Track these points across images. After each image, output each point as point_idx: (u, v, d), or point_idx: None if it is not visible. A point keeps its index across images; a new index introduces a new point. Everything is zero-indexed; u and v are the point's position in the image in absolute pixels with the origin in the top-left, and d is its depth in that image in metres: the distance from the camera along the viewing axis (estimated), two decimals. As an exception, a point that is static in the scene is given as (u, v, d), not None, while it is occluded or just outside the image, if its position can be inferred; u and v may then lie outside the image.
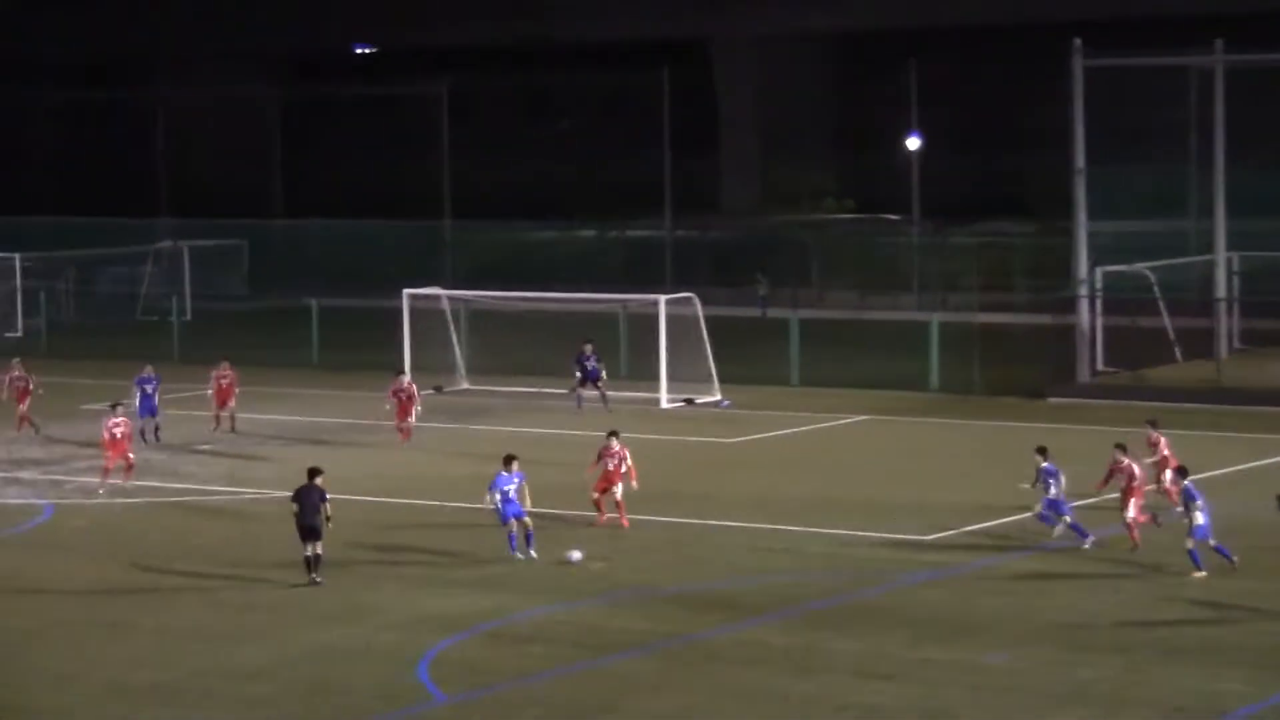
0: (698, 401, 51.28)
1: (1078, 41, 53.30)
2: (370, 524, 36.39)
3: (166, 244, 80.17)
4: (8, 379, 48.14)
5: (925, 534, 35.03)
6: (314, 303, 62.37)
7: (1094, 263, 54.02)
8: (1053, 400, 51.48)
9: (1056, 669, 26.97)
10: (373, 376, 53.36)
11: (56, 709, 25.96)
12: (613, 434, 35.94)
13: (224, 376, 47.68)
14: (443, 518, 37.07)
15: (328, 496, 31.88)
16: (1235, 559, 31.67)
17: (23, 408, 47.71)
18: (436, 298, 56.68)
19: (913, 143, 79.75)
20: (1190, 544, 31.59)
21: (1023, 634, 28.67)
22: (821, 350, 56.79)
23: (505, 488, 32.99)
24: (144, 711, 25.76)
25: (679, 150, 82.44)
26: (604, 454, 35.58)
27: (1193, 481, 32.16)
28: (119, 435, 40.00)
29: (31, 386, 47.94)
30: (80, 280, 77.26)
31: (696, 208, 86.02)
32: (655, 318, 51.92)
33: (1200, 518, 31.61)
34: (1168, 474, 35.57)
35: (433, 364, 54.37)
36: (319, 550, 31.76)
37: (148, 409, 45.62)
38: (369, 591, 31.67)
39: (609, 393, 49.64)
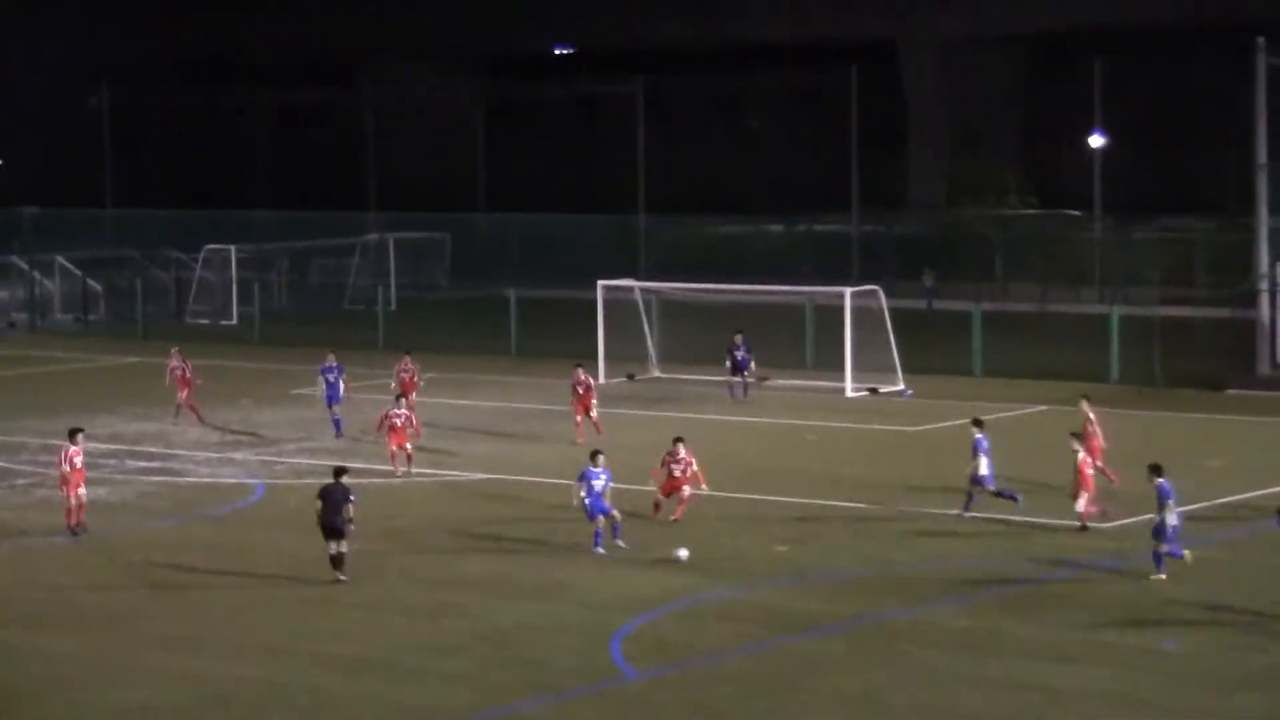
0: (881, 391, 50.93)
1: (1261, 40, 52.29)
2: (564, 506, 36.47)
3: (373, 237, 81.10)
4: (169, 368, 47.81)
5: (1103, 522, 34.47)
6: (512, 293, 62.73)
7: (1275, 257, 52.94)
8: (1232, 392, 50.54)
9: (1235, 654, 26.44)
10: (569, 365, 53.53)
11: (262, 680, 26.29)
12: (679, 440, 34.90)
13: (406, 370, 46.91)
14: (633, 501, 37.09)
15: (351, 497, 31.13)
16: (1185, 554, 30.35)
17: (183, 396, 47.05)
18: (629, 289, 56.80)
19: (1096, 140, 78.61)
20: (1163, 547, 30.27)
21: (1202, 620, 28.14)
22: (1004, 342, 56.16)
23: (592, 482, 32.56)
24: (348, 684, 26.00)
25: (866, 147, 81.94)
26: (667, 460, 34.67)
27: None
28: (398, 424, 39.91)
29: (190, 375, 47.23)
30: (292, 271, 78.41)
31: (883, 203, 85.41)
32: (841, 310, 51.62)
33: (1172, 519, 30.16)
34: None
35: (625, 353, 54.52)
36: (343, 549, 31.01)
37: (332, 396, 45.38)
38: (564, 570, 31.78)
39: (750, 382, 49.58)
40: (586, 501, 32.53)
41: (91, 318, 72.92)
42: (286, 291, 77.24)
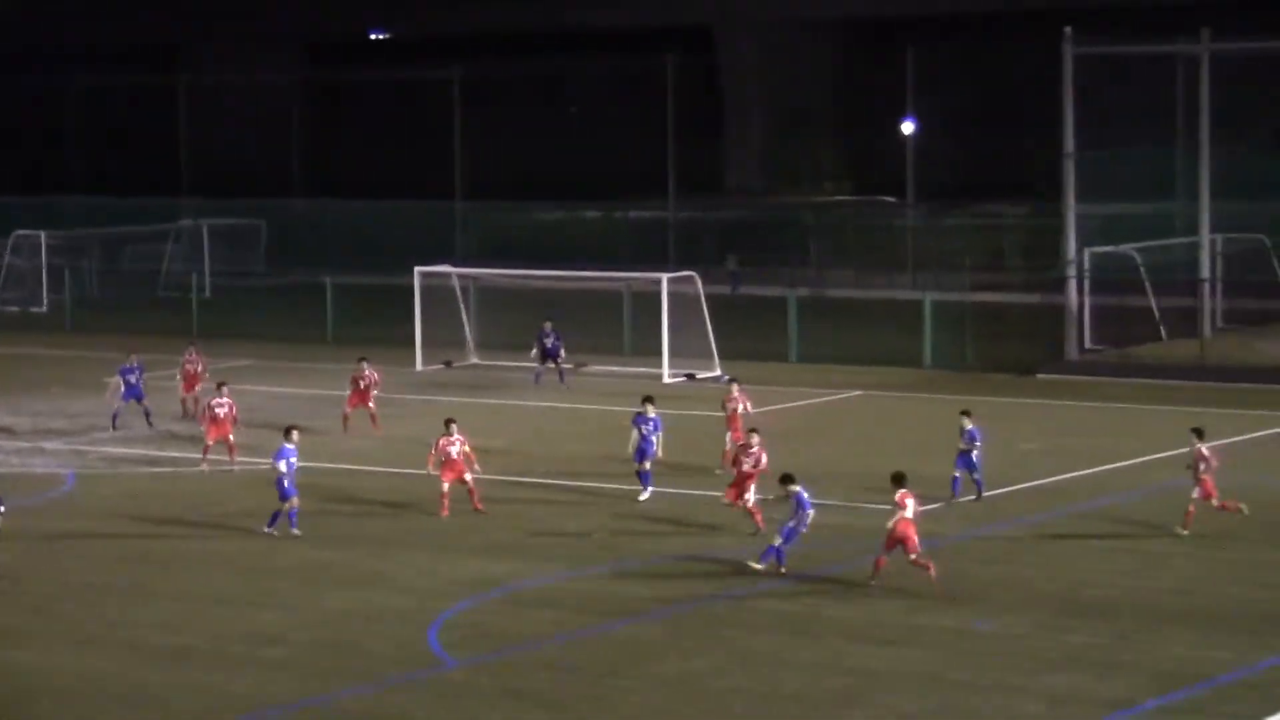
0: (699, 377, 51.21)
1: (1068, 30, 53.20)
2: (381, 493, 36.35)
3: (188, 223, 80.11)
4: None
5: (917, 505, 34.86)
6: (329, 280, 62.29)
7: (1083, 244, 53.95)
8: (1042, 376, 51.43)
9: (1045, 634, 26.92)
10: (385, 351, 53.35)
11: (80, 671, 25.94)
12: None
13: (191, 362, 46.29)
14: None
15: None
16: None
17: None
18: (447, 275, 56.65)
19: (908, 127, 79.60)
20: (777, 540, 30.00)
21: (1013, 602, 28.62)
22: (819, 328, 56.72)
23: (278, 464, 32.63)
24: (168, 675, 25.73)
25: (685, 134, 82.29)
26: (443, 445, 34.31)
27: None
28: (220, 415, 39.13)
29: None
30: (104, 257, 77.24)
31: (701, 189, 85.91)
32: (658, 295, 51.84)
33: (792, 523, 29.85)
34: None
35: (443, 339, 54.37)
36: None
37: (133, 394, 44.16)
38: (381, 559, 31.65)
39: (566, 369, 49.60)
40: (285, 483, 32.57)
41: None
42: (99, 278, 76.08)
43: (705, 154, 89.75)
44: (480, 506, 34.41)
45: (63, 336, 62.81)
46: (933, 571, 28.83)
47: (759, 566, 30.14)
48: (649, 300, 53.44)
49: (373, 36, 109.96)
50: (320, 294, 62.08)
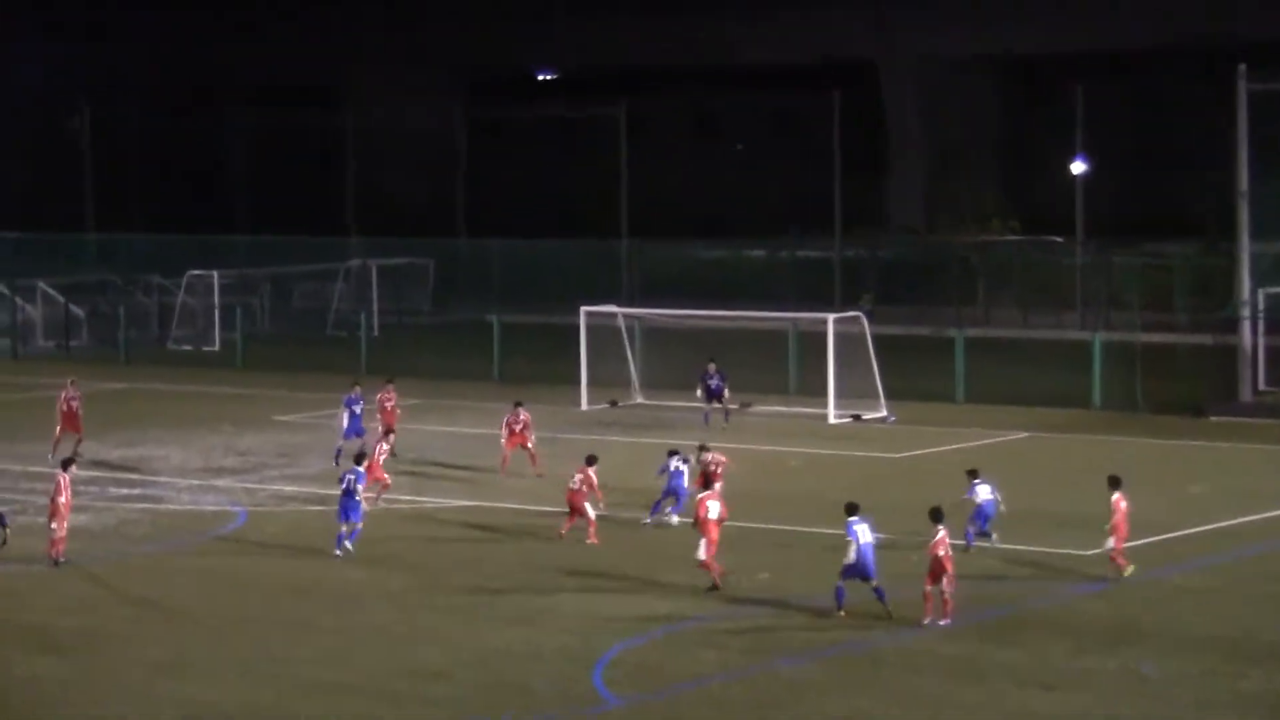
0: (864, 417, 51.14)
1: (1242, 66, 52.64)
2: (546, 530, 36.66)
3: (356, 262, 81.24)
4: (61, 396, 46.16)
5: (1086, 548, 34.69)
6: (495, 318, 62.94)
7: (1257, 283, 53.28)
8: (1214, 418, 50.81)
9: (1213, 679, 26.64)
10: (551, 390, 53.86)
11: (244, 703, 26.42)
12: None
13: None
14: (615, 526, 37.23)
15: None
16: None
17: (59, 431, 45.41)
18: (613, 314, 57.01)
19: (1078, 166, 78.98)
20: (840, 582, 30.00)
21: (1182, 645, 28.35)
22: (986, 368, 56.40)
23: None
24: (329, 708, 26.12)
25: (848, 171, 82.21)
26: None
27: None
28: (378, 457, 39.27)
29: (78, 407, 45.79)
30: (274, 296, 78.53)
31: (865, 227, 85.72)
32: (824, 335, 51.86)
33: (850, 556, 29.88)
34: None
35: (608, 378, 54.70)
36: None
37: (354, 430, 44.37)
38: (545, 596, 31.92)
39: (731, 409, 49.64)
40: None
41: (73, 344, 72.98)
42: (269, 317, 77.39)
43: (869, 191, 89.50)
44: (595, 540, 35.12)
45: (234, 374, 63.92)
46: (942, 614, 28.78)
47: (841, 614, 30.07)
48: (815, 339, 53.44)
49: (539, 77, 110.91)
50: (487, 332, 62.72)
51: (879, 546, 30.42)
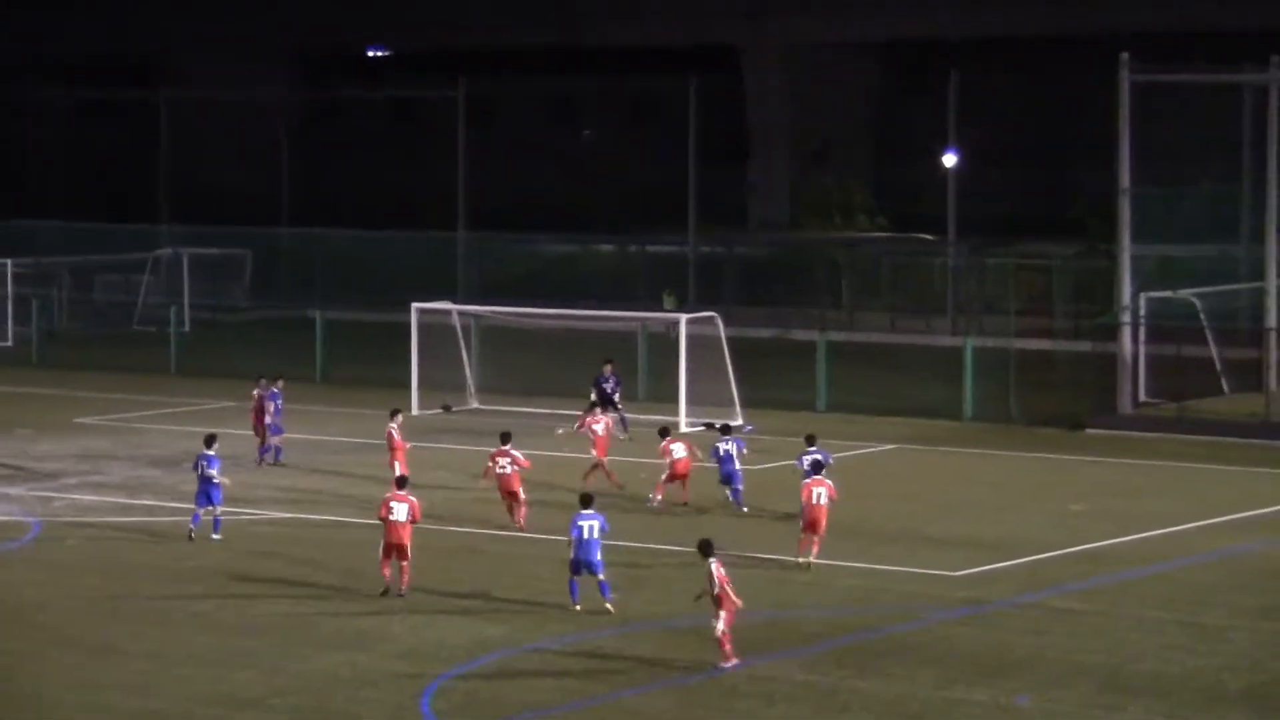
0: (718, 426, 51.19)
1: (1125, 55, 53.20)
2: (371, 547, 36.33)
3: (166, 252, 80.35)
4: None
5: (956, 569, 34.97)
6: (318, 315, 62.48)
7: (1139, 288, 53.93)
8: (1092, 431, 51.42)
9: (1092, 713, 26.88)
10: (381, 394, 53.48)
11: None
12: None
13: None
14: (447, 542, 37.04)
15: None
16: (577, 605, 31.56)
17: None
18: (447, 312, 56.76)
19: (950, 159, 79.67)
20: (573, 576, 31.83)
21: (1058, 675, 28.57)
22: (851, 375, 56.75)
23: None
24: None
25: (706, 162, 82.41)
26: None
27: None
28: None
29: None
30: (75, 288, 77.45)
31: (724, 223, 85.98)
32: (676, 337, 51.93)
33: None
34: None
35: (442, 381, 54.45)
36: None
37: (275, 429, 45.39)
38: (368, 618, 31.66)
39: (627, 416, 49.51)
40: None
41: None
42: (69, 310, 76.29)
43: (729, 184, 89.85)
44: (523, 525, 36.82)
45: (30, 372, 62.98)
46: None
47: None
48: (666, 342, 53.49)
49: (371, 54, 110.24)
50: (309, 330, 62.25)
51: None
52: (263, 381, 46.33)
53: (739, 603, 28.64)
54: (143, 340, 70.24)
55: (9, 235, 78.27)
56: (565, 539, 32.02)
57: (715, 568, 28.62)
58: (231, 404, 51.43)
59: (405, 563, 32.85)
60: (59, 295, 76.04)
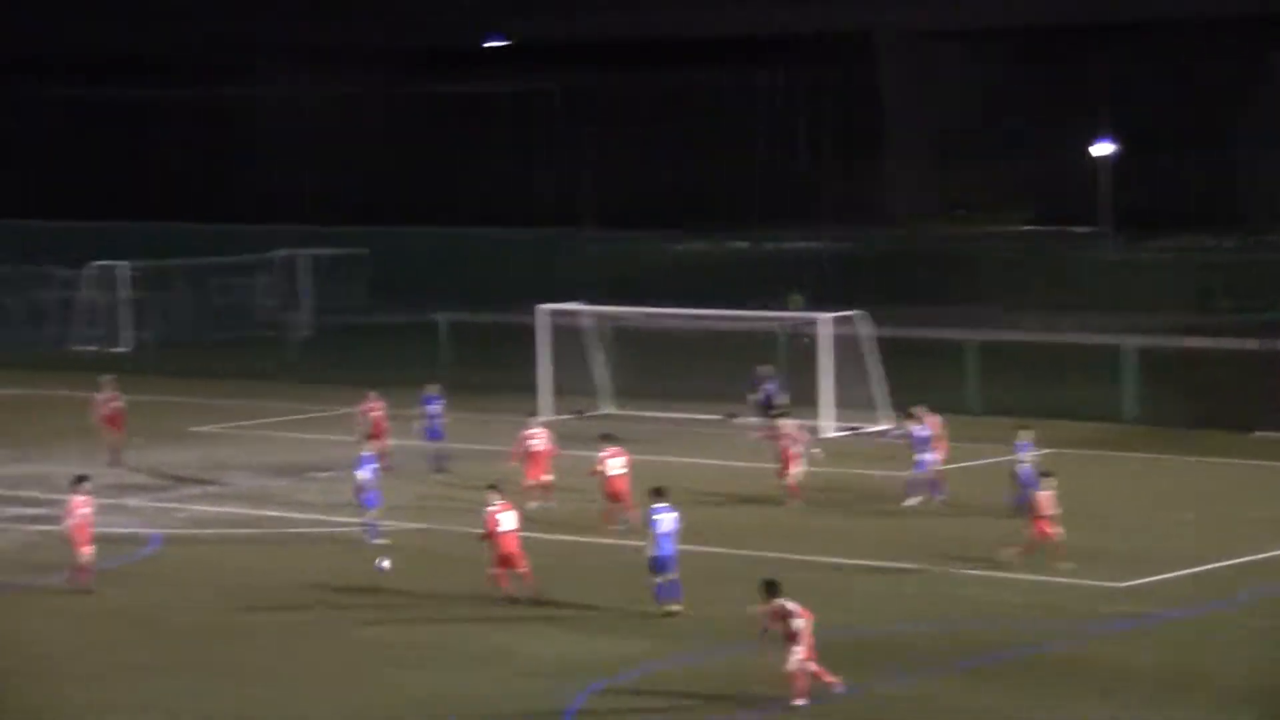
0: (865, 430, 50.82)
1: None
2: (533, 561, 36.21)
3: (283, 253, 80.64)
4: (99, 401, 47.84)
5: (1119, 580, 34.46)
6: (442, 318, 62.53)
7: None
8: (1260, 434, 50.56)
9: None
10: (506, 398, 53.45)
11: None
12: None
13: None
14: (582, 555, 36.89)
15: None
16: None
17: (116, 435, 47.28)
18: (576, 314, 56.58)
19: (1103, 148, 78.83)
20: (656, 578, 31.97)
21: (1233, 694, 28.06)
22: (1002, 376, 55.99)
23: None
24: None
25: (839, 155, 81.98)
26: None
27: None
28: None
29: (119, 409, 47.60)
30: (191, 291, 77.83)
31: (858, 218, 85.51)
32: (816, 338, 51.55)
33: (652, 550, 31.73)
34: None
35: (572, 386, 54.29)
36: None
37: (435, 435, 46.20)
38: (505, 632, 31.53)
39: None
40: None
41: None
42: (184, 315, 76.69)
43: (863, 178, 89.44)
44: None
45: (145, 379, 63.23)
46: None
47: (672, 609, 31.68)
48: (803, 343, 53.06)
49: (487, 45, 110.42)
50: (432, 333, 62.35)
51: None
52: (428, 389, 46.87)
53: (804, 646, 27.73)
54: (260, 344, 70.55)
55: (126, 237, 78.86)
56: (718, 550, 31.79)
57: (783, 607, 27.91)
58: (346, 410, 51.33)
59: (524, 570, 32.66)
60: (174, 300, 76.51)
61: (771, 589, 28.20)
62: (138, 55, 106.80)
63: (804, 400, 51.98)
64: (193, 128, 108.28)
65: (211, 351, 68.51)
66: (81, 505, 34.84)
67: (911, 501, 40.88)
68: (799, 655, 27.52)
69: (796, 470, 41.39)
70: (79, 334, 73.22)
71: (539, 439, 41.81)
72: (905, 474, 41.53)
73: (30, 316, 73.19)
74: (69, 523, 34.79)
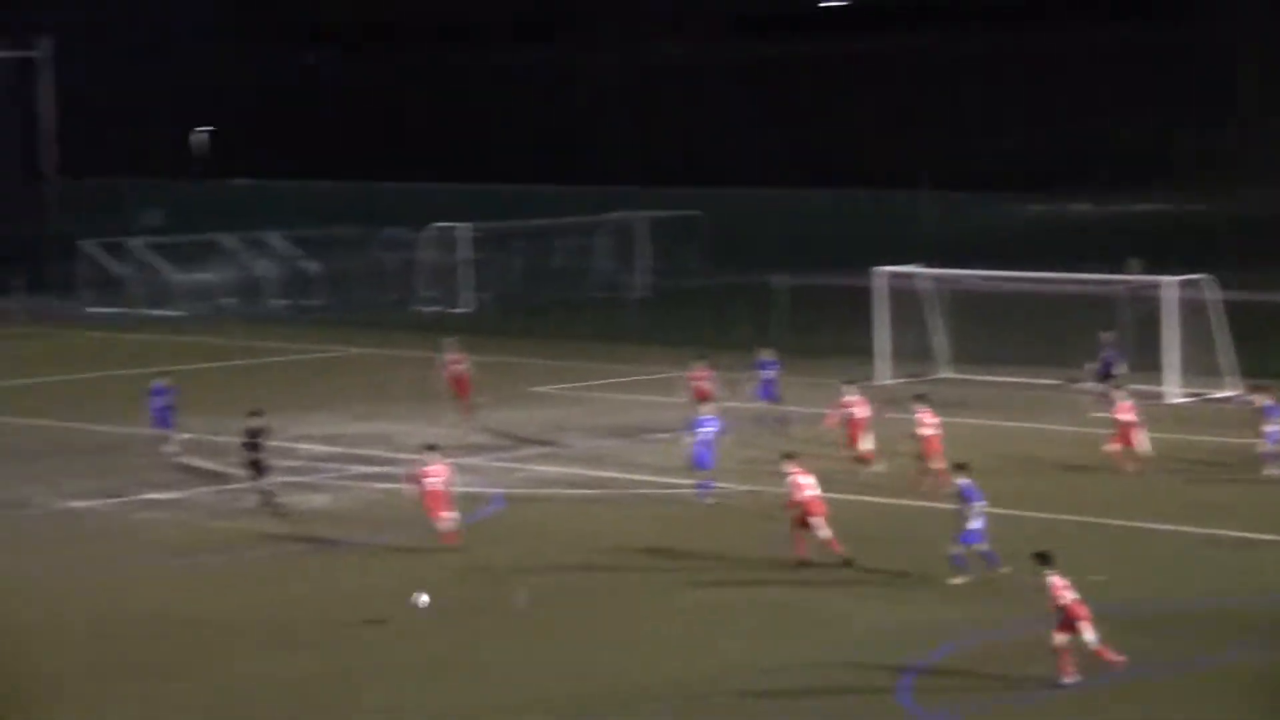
0: (1210, 396, 50.08)
1: None
2: (841, 525, 36.44)
3: (619, 215, 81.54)
4: (444, 362, 48.80)
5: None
6: (778, 280, 62.79)
7: None
8: None
9: None
10: (843, 362, 53.52)
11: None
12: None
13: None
14: (897, 516, 36.94)
15: None
16: (1003, 567, 30.90)
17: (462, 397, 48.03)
18: (912, 277, 56.39)
19: None
20: (956, 549, 31.92)
21: None
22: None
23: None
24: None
25: (1188, 114, 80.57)
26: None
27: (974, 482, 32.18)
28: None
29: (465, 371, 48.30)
30: (530, 253, 79.03)
31: (1210, 179, 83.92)
32: (1162, 302, 50.81)
33: (976, 522, 31.92)
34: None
35: (908, 350, 54.19)
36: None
37: (768, 394, 46.47)
38: (822, 598, 31.79)
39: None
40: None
41: (308, 303, 74.32)
42: (522, 276, 77.96)
43: (1215, 137, 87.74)
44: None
45: (486, 339, 64.43)
46: None
47: (960, 580, 31.68)
48: (1146, 308, 52.29)
49: (820, 4, 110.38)
50: (766, 295, 62.65)
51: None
52: (763, 353, 47.12)
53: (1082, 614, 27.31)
54: (597, 306, 71.45)
55: (467, 200, 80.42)
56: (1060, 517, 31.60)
57: (1053, 580, 27.58)
58: (681, 373, 51.78)
59: (825, 533, 33.06)
60: (513, 261, 77.75)
61: (1045, 560, 27.99)
62: (470, 20, 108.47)
63: (1148, 365, 51.36)
64: (536, 91, 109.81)
65: (549, 312, 69.55)
66: (433, 473, 35.42)
67: (1274, 470, 40.09)
68: (1065, 632, 27.19)
69: (1140, 439, 40.94)
70: (420, 295, 74.84)
71: (857, 406, 41.79)
72: (1256, 442, 40.74)
73: (373, 277, 74.94)
74: (422, 489, 35.42)
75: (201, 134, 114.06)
